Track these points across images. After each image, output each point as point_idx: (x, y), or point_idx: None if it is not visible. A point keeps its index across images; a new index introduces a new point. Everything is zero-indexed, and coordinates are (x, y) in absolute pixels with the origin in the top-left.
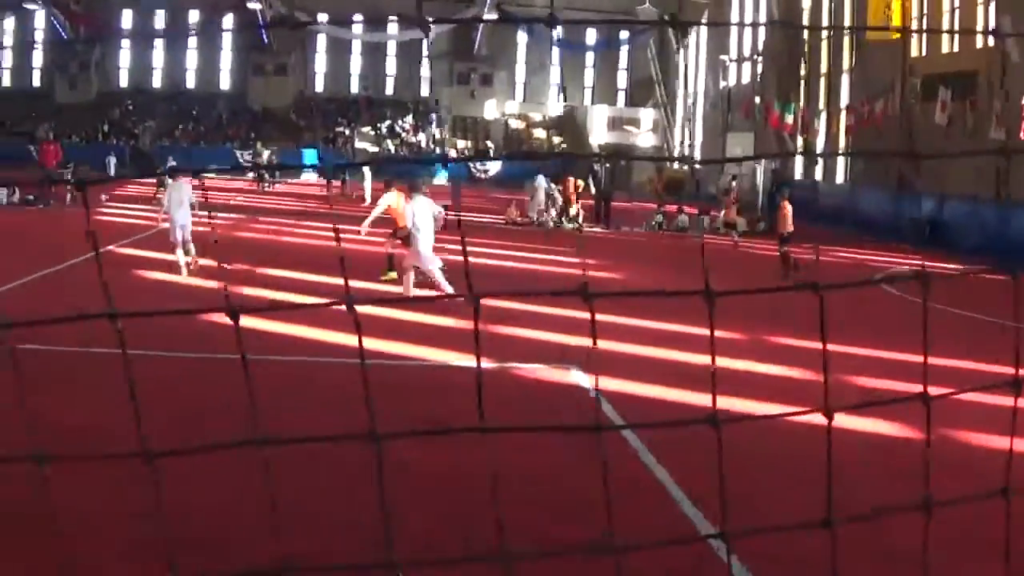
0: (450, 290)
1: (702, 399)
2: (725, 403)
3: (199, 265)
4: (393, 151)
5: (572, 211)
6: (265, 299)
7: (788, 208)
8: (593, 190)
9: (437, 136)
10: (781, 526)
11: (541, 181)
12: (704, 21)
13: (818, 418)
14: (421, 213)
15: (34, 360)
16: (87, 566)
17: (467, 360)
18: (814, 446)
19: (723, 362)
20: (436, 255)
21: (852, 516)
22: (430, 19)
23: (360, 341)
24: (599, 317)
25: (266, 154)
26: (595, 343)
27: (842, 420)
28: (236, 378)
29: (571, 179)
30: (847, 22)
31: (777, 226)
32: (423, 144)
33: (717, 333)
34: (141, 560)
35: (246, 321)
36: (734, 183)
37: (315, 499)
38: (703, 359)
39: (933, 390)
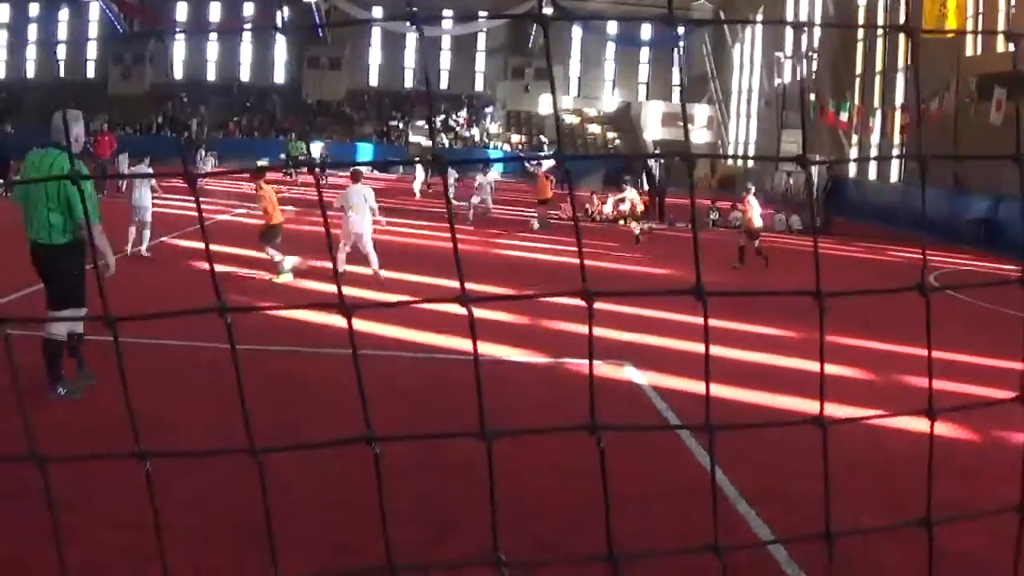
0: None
1: (755, 397)
2: (785, 402)
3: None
4: (448, 145)
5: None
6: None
7: (750, 204)
8: (647, 186)
9: (491, 131)
10: (871, 528)
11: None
12: (753, 19)
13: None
14: (354, 197)
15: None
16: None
17: (520, 355)
18: (871, 446)
19: (778, 360)
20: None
21: (950, 517)
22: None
23: (351, 337)
24: (653, 314)
25: (319, 147)
26: (591, 345)
27: (903, 422)
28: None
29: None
30: (902, 19)
31: (744, 222)
32: (477, 138)
33: (773, 331)
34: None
35: (300, 315)
36: (751, 186)
37: (366, 494)
38: (757, 356)
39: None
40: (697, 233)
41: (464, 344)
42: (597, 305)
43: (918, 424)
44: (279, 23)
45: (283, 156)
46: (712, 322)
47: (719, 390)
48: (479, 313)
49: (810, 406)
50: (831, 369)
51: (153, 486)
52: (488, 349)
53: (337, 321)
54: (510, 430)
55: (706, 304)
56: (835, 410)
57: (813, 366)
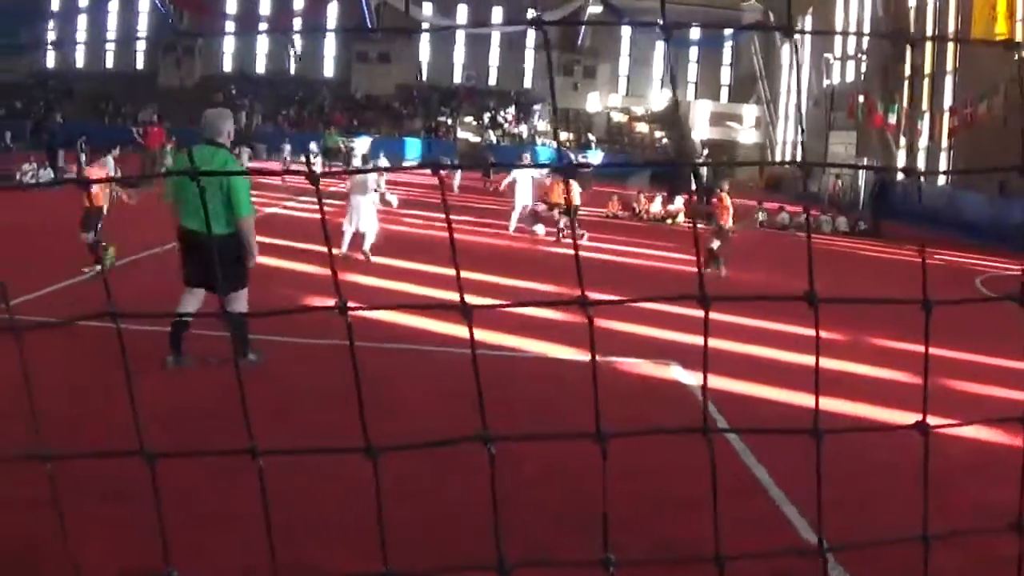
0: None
1: (803, 399)
2: (831, 405)
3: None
4: (496, 142)
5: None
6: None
7: (726, 201)
8: (694, 186)
9: (539, 128)
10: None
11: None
12: (802, 20)
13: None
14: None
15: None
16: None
17: (573, 353)
18: (917, 450)
19: (825, 363)
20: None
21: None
22: (536, 15)
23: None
24: (701, 313)
25: (363, 142)
26: (593, 355)
27: (960, 429)
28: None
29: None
30: (951, 22)
31: (717, 218)
32: (524, 135)
33: (821, 334)
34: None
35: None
36: (726, 184)
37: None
38: (805, 359)
39: None
40: (809, 236)
41: (516, 342)
42: (643, 304)
43: (975, 431)
44: (329, 23)
45: (313, 148)
46: (759, 323)
47: (769, 392)
48: (533, 312)
49: (859, 409)
50: (884, 373)
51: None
52: (539, 347)
53: (399, 319)
54: (507, 435)
55: (817, 312)
56: (894, 415)
57: (862, 369)
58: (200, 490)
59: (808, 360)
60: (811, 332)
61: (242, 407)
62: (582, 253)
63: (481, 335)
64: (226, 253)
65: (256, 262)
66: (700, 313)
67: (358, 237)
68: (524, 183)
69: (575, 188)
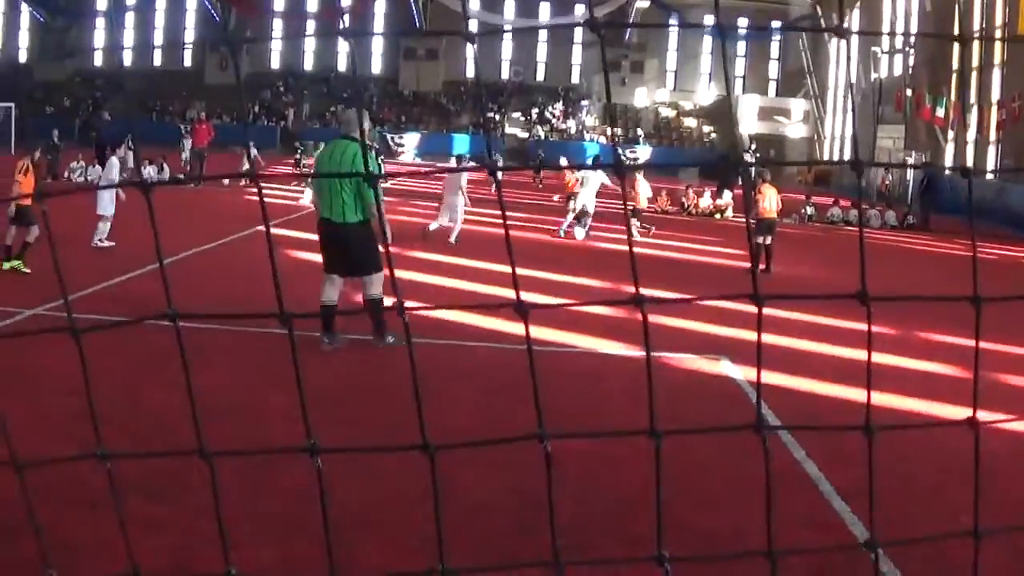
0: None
1: (853, 394)
2: (878, 400)
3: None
4: (544, 137)
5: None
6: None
7: (765, 193)
8: (741, 181)
9: (587, 123)
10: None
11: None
12: (849, 16)
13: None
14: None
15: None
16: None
17: (622, 348)
18: (966, 446)
19: (876, 358)
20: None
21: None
22: (589, 16)
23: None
24: (751, 309)
25: (412, 138)
26: (648, 350)
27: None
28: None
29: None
30: (999, 15)
31: (754, 212)
32: (572, 131)
33: (865, 327)
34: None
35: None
36: (767, 174)
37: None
38: (855, 353)
39: None
40: (862, 236)
41: (565, 337)
42: (690, 298)
43: (1019, 425)
44: (379, 25)
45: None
46: (810, 318)
47: (820, 387)
48: (583, 307)
49: (909, 404)
50: (934, 367)
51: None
52: (584, 342)
53: (449, 316)
54: (453, 443)
55: (870, 311)
56: (944, 410)
57: (912, 363)
58: (232, 487)
59: (858, 355)
60: (861, 326)
61: (301, 405)
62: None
63: (530, 330)
64: (360, 240)
65: (391, 242)
66: (750, 308)
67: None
68: (592, 186)
69: (643, 186)
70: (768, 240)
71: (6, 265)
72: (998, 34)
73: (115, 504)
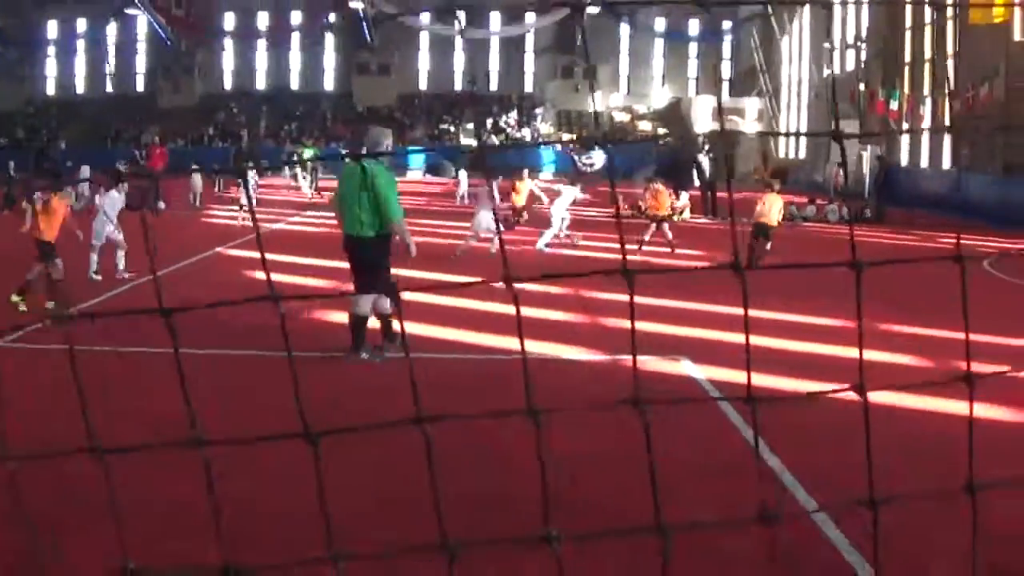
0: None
1: (814, 387)
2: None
3: None
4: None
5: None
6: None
7: (767, 201)
8: (697, 181)
9: (542, 131)
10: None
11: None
12: (795, 8)
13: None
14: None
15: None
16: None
17: (579, 353)
18: (920, 427)
19: (832, 350)
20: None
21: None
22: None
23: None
24: (709, 308)
25: (308, 154)
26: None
27: (952, 406)
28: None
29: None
30: (948, 8)
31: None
32: (528, 139)
33: (827, 321)
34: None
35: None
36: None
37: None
38: (814, 347)
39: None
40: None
41: (510, 343)
42: (652, 301)
43: (966, 406)
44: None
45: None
46: (766, 313)
47: (773, 381)
48: (535, 314)
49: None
50: (880, 356)
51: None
52: (542, 348)
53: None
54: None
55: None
56: (889, 397)
57: (870, 355)
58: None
59: (817, 348)
60: (822, 321)
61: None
62: (589, 254)
63: (480, 339)
64: (375, 254)
65: (414, 254)
66: (709, 307)
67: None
68: (567, 198)
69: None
70: (760, 242)
71: (14, 297)
72: (950, 26)
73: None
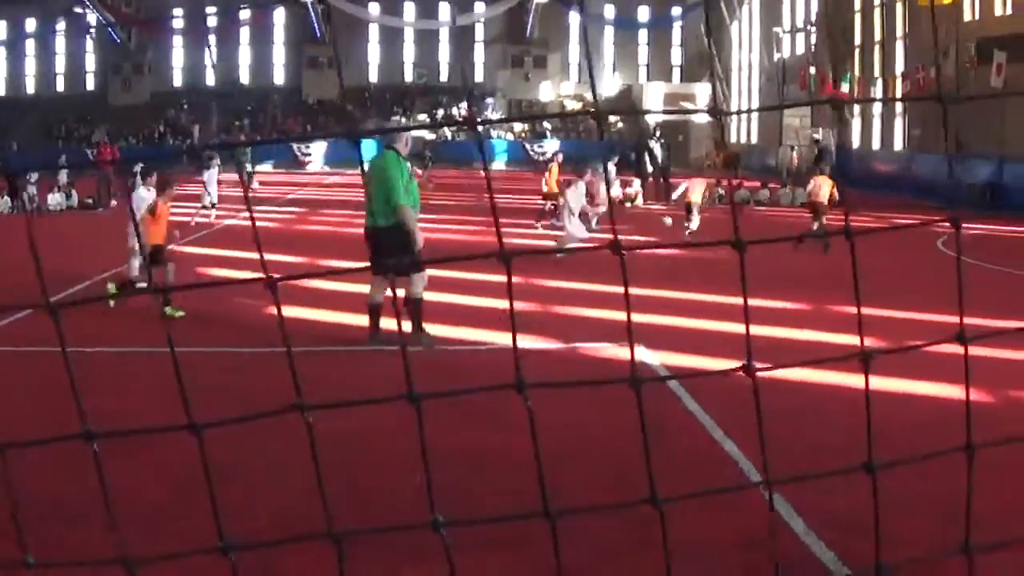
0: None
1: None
2: (799, 374)
3: None
4: (451, 138)
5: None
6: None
7: (819, 183)
8: (651, 167)
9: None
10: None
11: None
12: None
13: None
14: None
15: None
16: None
17: (533, 342)
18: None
19: (789, 333)
20: None
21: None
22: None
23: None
24: (663, 293)
25: (320, 147)
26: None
27: (914, 387)
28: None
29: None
30: None
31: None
32: (479, 129)
33: (778, 304)
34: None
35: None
36: (793, 154)
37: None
38: (766, 331)
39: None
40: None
41: (471, 334)
42: (605, 288)
43: (933, 388)
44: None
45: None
46: (720, 298)
47: (730, 365)
48: (491, 304)
49: (827, 376)
50: (847, 339)
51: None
52: (498, 338)
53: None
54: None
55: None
56: (857, 380)
57: (824, 337)
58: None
59: (778, 332)
60: (781, 305)
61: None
62: (538, 241)
63: (436, 330)
64: (391, 242)
65: (420, 247)
66: (662, 293)
67: None
68: (580, 187)
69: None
70: (816, 225)
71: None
72: (899, 7)
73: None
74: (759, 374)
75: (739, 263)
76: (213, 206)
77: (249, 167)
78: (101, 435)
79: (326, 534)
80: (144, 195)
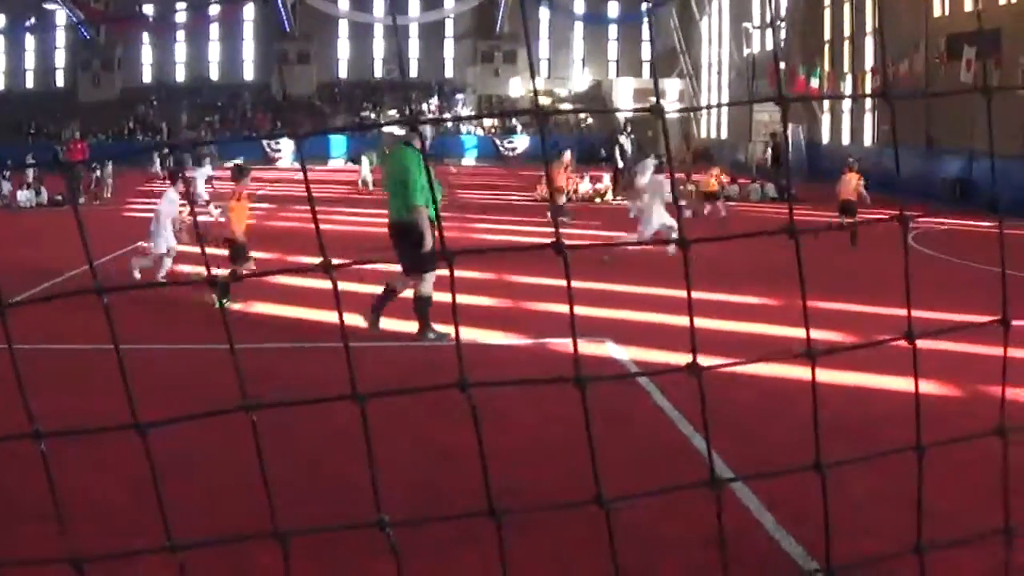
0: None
1: (739, 369)
2: (770, 369)
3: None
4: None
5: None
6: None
7: (847, 179)
8: (620, 163)
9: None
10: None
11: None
12: None
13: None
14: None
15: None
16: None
17: (503, 338)
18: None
19: (762, 328)
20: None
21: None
22: None
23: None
24: (632, 289)
25: (288, 144)
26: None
27: (885, 382)
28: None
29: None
30: None
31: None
32: (449, 125)
33: (749, 299)
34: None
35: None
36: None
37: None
38: (735, 326)
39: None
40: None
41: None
42: (577, 283)
43: (899, 383)
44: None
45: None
46: (694, 294)
47: (703, 360)
48: (466, 300)
49: (793, 371)
50: (825, 335)
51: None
52: (469, 333)
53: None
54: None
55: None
56: (821, 375)
57: (793, 332)
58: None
59: (748, 328)
60: (747, 300)
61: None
62: (517, 237)
63: (403, 326)
64: (409, 236)
65: (428, 246)
66: (632, 289)
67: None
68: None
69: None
70: (847, 220)
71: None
72: (868, 1)
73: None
74: (725, 370)
75: (727, 259)
76: (207, 203)
77: (209, 169)
78: (49, 434)
79: (269, 534)
80: (174, 197)
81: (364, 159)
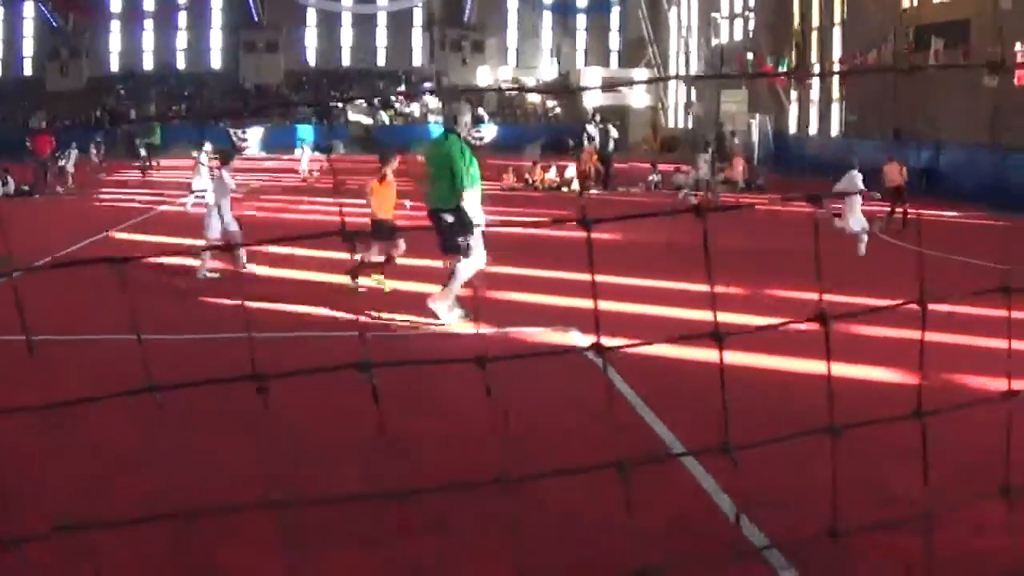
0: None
1: (703, 355)
2: (739, 359)
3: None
4: (388, 122)
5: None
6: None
7: (889, 168)
8: (597, 148)
9: (431, 106)
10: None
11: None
12: None
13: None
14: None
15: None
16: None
17: (466, 328)
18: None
19: (723, 317)
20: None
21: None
22: None
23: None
24: (597, 278)
25: (255, 133)
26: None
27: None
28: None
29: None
30: None
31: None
32: (416, 114)
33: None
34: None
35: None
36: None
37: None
38: (704, 316)
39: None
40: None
41: (404, 317)
42: (540, 272)
43: (871, 373)
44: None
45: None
46: (654, 283)
47: (666, 350)
48: (413, 287)
49: (759, 360)
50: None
51: None
52: (429, 321)
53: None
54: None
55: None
56: (792, 364)
57: (759, 321)
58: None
59: (707, 316)
60: (704, 288)
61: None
62: (495, 228)
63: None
64: (451, 223)
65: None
66: (596, 278)
67: None
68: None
69: None
70: (897, 206)
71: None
72: None
73: None
74: (680, 356)
75: (703, 250)
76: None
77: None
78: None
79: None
80: (228, 180)
81: (305, 148)
